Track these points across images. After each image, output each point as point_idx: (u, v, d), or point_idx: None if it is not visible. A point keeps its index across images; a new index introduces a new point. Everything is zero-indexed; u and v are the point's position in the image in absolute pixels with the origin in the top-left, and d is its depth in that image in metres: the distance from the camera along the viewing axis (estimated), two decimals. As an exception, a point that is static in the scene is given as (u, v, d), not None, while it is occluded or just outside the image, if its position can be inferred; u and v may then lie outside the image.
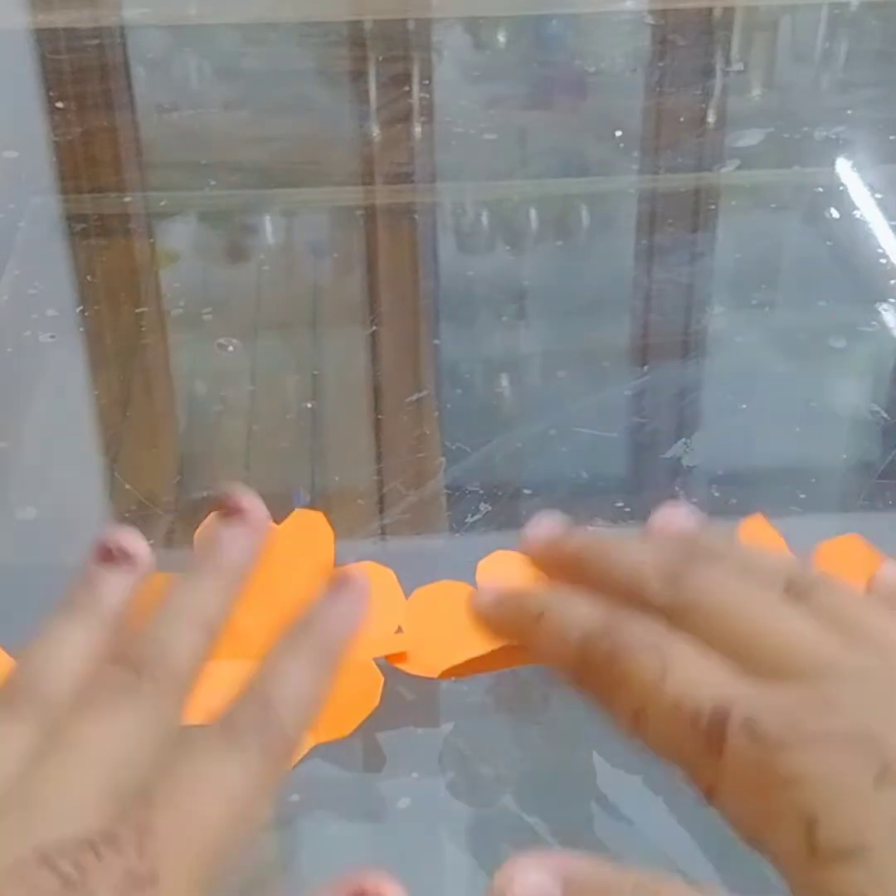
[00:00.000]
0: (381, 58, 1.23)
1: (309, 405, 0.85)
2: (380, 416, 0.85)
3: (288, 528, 0.33)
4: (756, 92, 1.21)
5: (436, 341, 0.91)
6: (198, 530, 0.32)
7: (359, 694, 0.56)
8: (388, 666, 0.60)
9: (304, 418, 0.85)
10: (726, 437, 0.78)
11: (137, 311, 0.92)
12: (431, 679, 0.60)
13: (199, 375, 0.91)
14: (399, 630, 0.61)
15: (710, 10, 1.31)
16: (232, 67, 1.26)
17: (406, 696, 0.61)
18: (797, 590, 0.29)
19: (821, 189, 1.03)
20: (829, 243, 0.97)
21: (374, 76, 1.19)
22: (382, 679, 0.56)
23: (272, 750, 0.29)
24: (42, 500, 0.77)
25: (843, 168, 1.05)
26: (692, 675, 0.27)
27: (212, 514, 0.31)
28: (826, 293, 0.90)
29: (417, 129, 1.14)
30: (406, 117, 1.15)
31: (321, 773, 0.57)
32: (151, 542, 0.33)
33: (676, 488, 0.73)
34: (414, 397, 0.83)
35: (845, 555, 0.60)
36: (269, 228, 1.04)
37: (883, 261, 0.92)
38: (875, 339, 0.86)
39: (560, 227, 1.05)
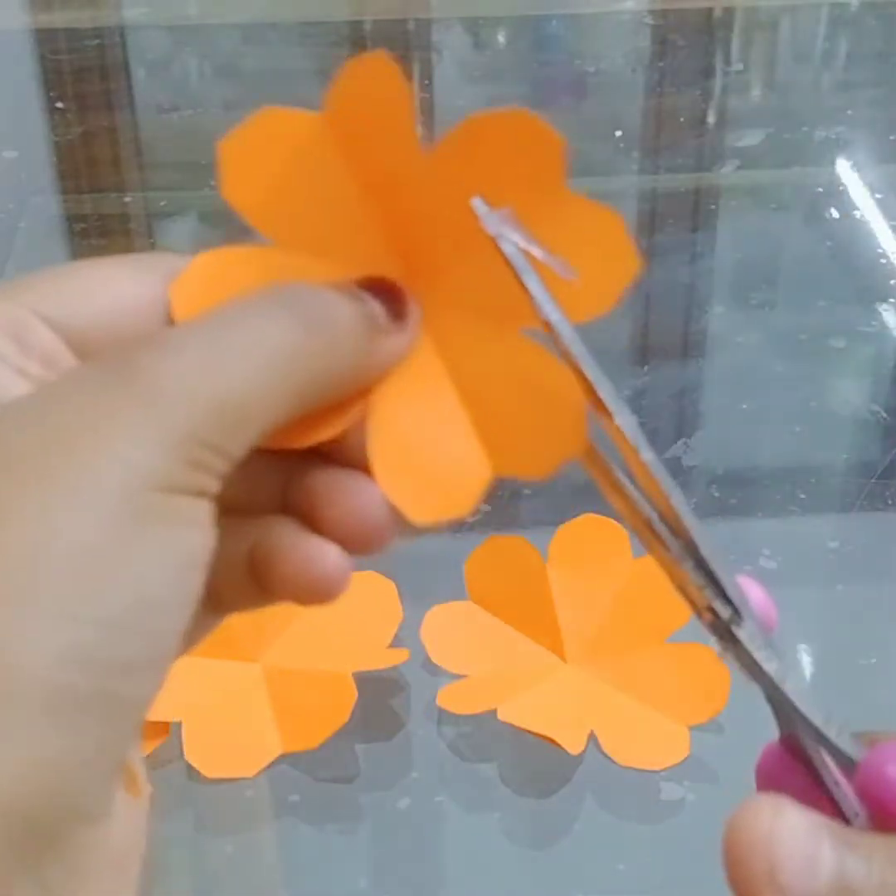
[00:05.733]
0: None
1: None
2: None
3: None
4: (756, 92, 1.21)
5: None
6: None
7: (330, 708, 0.56)
8: (365, 680, 0.60)
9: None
10: (726, 437, 0.78)
11: (137, 311, 0.92)
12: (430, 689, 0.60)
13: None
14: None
15: (710, 10, 1.30)
16: (232, 67, 1.26)
17: (407, 699, 0.61)
18: None
19: (821, 189, 1.02)
20: (829, 243, 0.97)
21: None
22: (356, 697, 0.56)
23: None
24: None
25: (843, 168, 1.05)
26: None
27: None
28: (826, 293, 0.90)
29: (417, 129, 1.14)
30: (406, 117, 1.14)
31: (320, 774, 0.57)
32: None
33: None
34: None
35: (588, 533, 0.60)
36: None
37: (883, 261, 0.92)
38: (875, 339, 0.86)
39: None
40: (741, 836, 0.23)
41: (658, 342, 0.89)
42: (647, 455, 0.25)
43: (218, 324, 0.23)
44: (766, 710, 0.27)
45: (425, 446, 0.26)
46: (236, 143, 0.26)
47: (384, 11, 1.29)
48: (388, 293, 0.26)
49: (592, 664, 0.60)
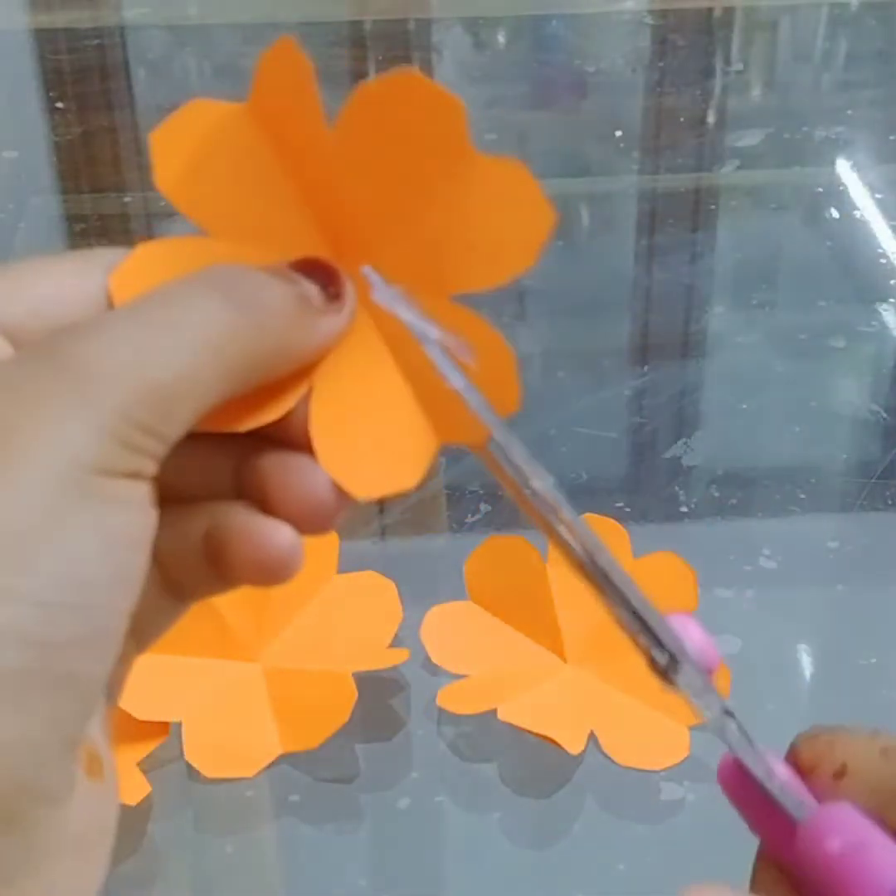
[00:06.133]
0: (381, 58, 1.23)
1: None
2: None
3: None
4: (756, 92, 1.21)
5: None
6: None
7: (330, 708, 0.56)
8: (365, 680, 0.60)
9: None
10: (726, 437, 0.78)
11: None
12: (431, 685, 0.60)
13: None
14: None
15: (710, 10, 1.30)
16: (232, 67, 1.26)
17: (407, 699, 0.61)
18: None
19: (821, 189, 1.02)
20: (829, 243, 0.97)
21: (374, 76, 1.19)
22: (355, 697, 0.56)
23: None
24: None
25: (843, 168, 1.05)
26: None
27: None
28: (826, 293, 0.90)
29: (417, 129, 1.14)
30: (406, 117, 1.14)
31: (321, 774, 0.57)
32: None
33: (676, 488, 0.73)
34: (414, 397, 0.83)
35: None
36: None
37: (883, 261, 0.92)
38: (875, 339, 0.86)
39: (560, 227, 1.05)
40: None
41: (658, 342, 0.89)
42: (568, 515, 0.26)
43: (147, 306, 0.24)
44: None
45: (368, 422, 0.26)
46: (166, 134, 0.27)
47: (384, 11, 1.29)
48: (321, 273, 0.26)
49: (592, 664, 0.60)
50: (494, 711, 0.56)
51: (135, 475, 0.23)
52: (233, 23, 1.32)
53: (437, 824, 0.57)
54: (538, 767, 0.58)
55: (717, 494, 0.73)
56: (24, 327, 0.25)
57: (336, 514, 0.26)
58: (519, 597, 0.61)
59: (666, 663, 0.26)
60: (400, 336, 0.26)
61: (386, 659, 0.60)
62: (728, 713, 0.26)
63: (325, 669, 0.58)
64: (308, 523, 0.25)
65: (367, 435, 0.26)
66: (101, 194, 1.04)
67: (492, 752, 0.58)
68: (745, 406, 0.80)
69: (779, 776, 0.26)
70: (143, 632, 0.24)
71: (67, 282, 0.25)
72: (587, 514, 0.61)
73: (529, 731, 0.56)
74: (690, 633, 0.26)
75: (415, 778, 0.57)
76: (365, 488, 0.25)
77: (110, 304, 0.25)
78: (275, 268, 0.26)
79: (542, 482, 0.26)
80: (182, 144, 0.27)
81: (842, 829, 0.24)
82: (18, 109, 1.16)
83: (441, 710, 0.58)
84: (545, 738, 0.56)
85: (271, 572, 0.25)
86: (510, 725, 0.56)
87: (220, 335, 0.23)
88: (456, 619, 0.61)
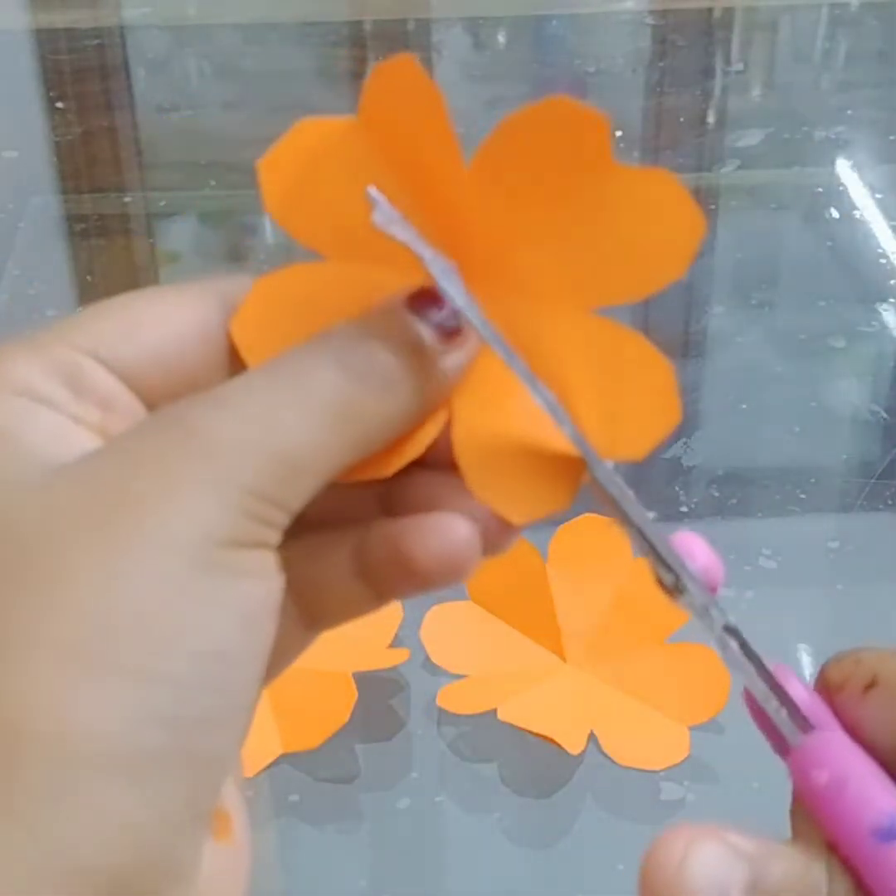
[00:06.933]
0: (381, 58, 1.23)
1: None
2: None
3: None
4: (756, 92, 1.21)
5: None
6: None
7: (330, 708, 0.56)
8: (365, 680, 0.60)
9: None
10: (726, 437, 0.78)
11: (137, 311, 0.92)
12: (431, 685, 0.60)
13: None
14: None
15: (710, 10, 1.30)
16: (232, 67, 1.26)
17: (407, 699, 0.61)
18: None
19: (821, 189, 1.02)
20: (829, 243, 0.97)
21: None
22: (356, 697, 0.56)
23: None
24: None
25: (843, 168, 1.05)
26: None
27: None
28: (826, 293, 0.90)
29: (417, 129, 1.14)
30: (406, 117, 1.14)
31: (321, 774, 0.57)
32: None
33: (676, 488, 0.73)
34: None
35: (588, 533, 0.59)
36: (269, 228, 1.04)
37: (883, 261, 0.92)
38: (875, 339, 0.86)
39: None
40: (654, 874, 0.23)
41: (658, 342, 0.88)
42: (568, 428, 0.25)
43: (269, 378, 0.23)
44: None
45: (513, 444, 0.25)
46: (275, 159, 0.26)
47: (384, 11, 1.29)
48: (439, 303, 0.25)
49: (592, 664, 0.60)
50: (494, 711, 0.56)
51: (261, 546, 0.22)
52: (233, 23, 1.32)
53: (437, 824, 0.57)
54: (538, 767, 0.58)
55: (717, 494, 0.73)
56: (147, 375, 0.24)
57: (511, 532, 0.25)
58: (519, 597, 0.61)
59: (672, 583, 0.26)
60: (538, 350, 0.25)
61: (386, 659, 0.60)
62: (729, 630, 0.26)
63: (325, 669, 0.58)
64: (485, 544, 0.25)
65: (515, 459, 0.25)
66: (101, 194, 1.04)
67: (492, 752, 0.58)
68: (745, 406, 0.80)
69: (790, 696, 0.25)
70: (270, 668, 0.24)
71: (182, 320, 0.25)
72: (587, 515, 0.62)
73: (529, 731, 0.56)
74: (696, 553, 0.26)
75: (415, 778, 0.57)
76: (521, 514, 0.25)
77: (232, 351, 0.25)
78: (389, 313, 0.25)
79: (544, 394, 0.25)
80: (290, 167, 0.26)
81: (829, 761, 0.23)
82: (18, 109, 1.16)
83: (441, 710, 0.58)
84: (545, 738, 0.56)
85: (457, 566, 0.25)
86: (510, 725, 0.56)
87: (341, 407, 0.23)
88: (456, 619, 0.61)
